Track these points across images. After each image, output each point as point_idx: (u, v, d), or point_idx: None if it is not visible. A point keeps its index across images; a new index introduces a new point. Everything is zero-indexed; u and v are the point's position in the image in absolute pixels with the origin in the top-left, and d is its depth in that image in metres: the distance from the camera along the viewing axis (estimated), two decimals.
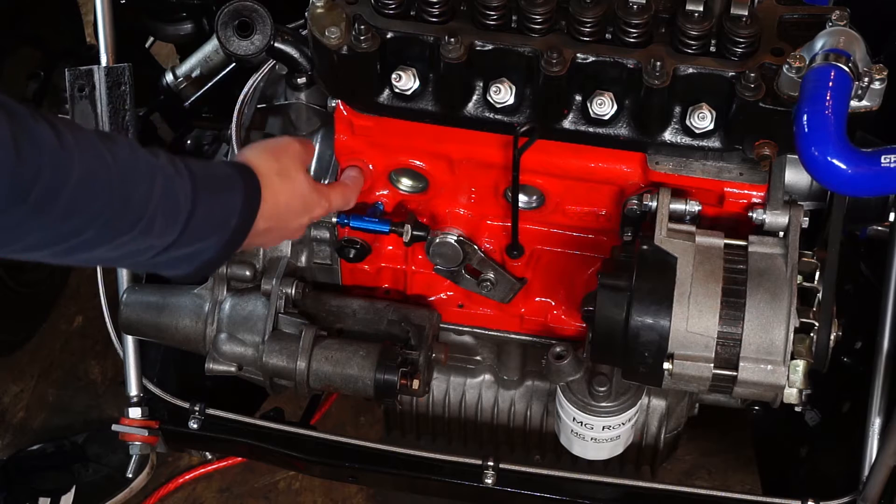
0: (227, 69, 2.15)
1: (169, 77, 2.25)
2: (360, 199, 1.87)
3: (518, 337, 2.01)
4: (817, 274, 1.70)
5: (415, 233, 1.84)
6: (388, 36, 1.67)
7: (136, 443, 2.08)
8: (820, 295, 1.69)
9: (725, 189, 1.73)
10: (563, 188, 1.81)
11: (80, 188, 1.27)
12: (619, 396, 1.88)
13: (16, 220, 1.23)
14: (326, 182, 1.89)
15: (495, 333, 2.01)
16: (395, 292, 2.00)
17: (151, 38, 2.48)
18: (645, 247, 1.68)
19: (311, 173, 1.92)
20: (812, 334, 1.66)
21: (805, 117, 1.46)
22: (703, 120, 1.66)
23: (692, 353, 1.65)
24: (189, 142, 2.18)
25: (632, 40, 1.64)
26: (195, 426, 2.04)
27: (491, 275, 1.90)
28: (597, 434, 1.92)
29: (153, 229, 1.37)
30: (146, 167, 1.36)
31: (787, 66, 1.56)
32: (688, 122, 1.66)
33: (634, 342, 1.65)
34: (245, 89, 1.93)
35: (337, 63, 1.68)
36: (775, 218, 1.71)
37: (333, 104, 1.81)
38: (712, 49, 1.64)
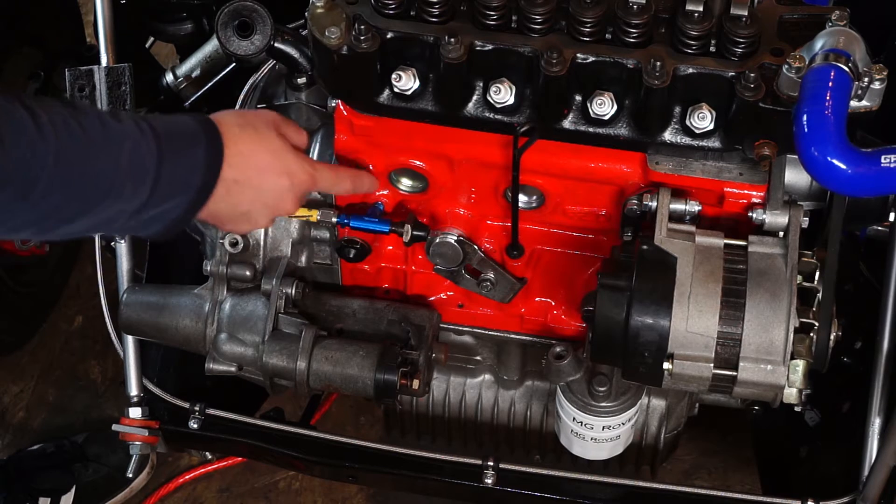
0: (228, 69, 2.15)
1: (169, 77, 2.25)
2: (359, 199, 1.87)
3: (518, 337, 2.01)
4: (817, 274, 1.70)
5: (415, 233, 1.84)
6: (388, 36, 1.67)
7: (136, 443, 2.08)
8: (820, 295, 1.69)
9: (725, 189, 1.73)
10: (563, 188, 1.81)
11: (58, 169, 1.30)
12: (619, 396, 1.88)
13: (1, 206, 1.27)
14: None
15: (495, 333, 2.01)
16: (395, 292, 2.00)
17: (151, 38, 2.48)
18: (645, 247, 1.68)
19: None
20: (812, 334, 1.66)
21: (805, 117, 1.46)
22: (703, 120, 1.66)
23: (692, 353, 1.65)
24: None
25: (632, 40, 1.64)
26: (195, 426, 2.04)
27: (491, 275, 1.90)
28: (597, 434, 1.92)
29: (123, 194, 1.39)
30: (114, 135, 1.38)
31: (786, 66, 1.56)
32: (688, 122, 1.66)
33: (634, 342, 1.65)
34: (245, 89, 1.93)
35: (337, 63, 1.68)
36: (775, 218, 1.71)
37: (333, 104, 1.81)
38: (712, 49, 1.64)
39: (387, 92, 1.72)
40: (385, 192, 1.87)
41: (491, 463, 1.97)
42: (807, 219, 1.71)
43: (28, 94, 1.33)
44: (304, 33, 1.80)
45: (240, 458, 2.59)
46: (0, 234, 1.36)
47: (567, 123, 1.70)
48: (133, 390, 2.07)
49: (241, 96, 1.92)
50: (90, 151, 1.35)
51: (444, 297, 1.99)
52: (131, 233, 1.52)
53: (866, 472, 1.88)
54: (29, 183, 1.28)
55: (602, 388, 1.86)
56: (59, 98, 1.41)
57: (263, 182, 1.59)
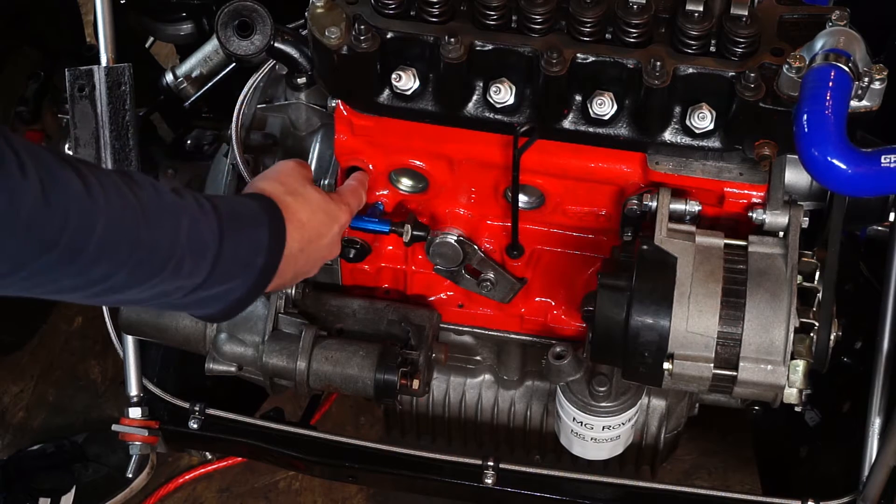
0: (228, 69, 2.15)
1: (169, 77, 2.25)
2: None
3: (518, 337, 2.01)
4: (817, 274, 1.70)
5: (415, 233, 1.84)
6: (388, 36, 1.67)
7: (136, 443, 2.08)
8: (820, 295, 1.69)
9: (725, 189, 1.73)
10: (563, 188, 1.81)
11: (107, 235, 1.26)
12: (619, 396, 1.88)
13: (46, 267, 1.23)
14: (326, 182, 1.89)
15: (495, 333, 2.01)
16: (395, 292, 2.00)
17: (151, 38, 2.48)
18: (645, 247, 1.68)
19: (312, 173, 1.92)
20: (812, 334, 1.66)
21: (805, 117, 1.46)
22: (703, 120, 1.66)
23: (692, 353, 1.65)
24: (189, 142, 2.18)
25: (632, 40, 1.64)
26: (195, 426, 2.04)
27: (491, 275, 1.90)
28: (597, 434, 1.92)
29: (181, 271, 1.36)
30: (171, 208, 1.35)
31: (787, 66, 1.56)
32: (688, 122, 1.66)
33: (634, 342, 1.65)
34: (245, 89, 1.93)
35: (337, 63, 1.68)
36: (775, 218, 1.71)
37: (333, 104, 1.81)
38: (712, 49, 1.64)
39: (387, 92, 1.72)
40: (385, 192, 1.87)
41: (491, 463, 1.97)
42: (807, 219, 1.71)
43: (81, 158, 1.28)
44: (304, 33, 1.80)
45: (240, 458, 2.59)
46: (48, 295, 1.30)
47: (567, 123, 1.70)
48: (133, 390, 2.07)
49: (241, 96, 1.92)
50: (145, 223, 1.31)
51: (444, 297, 1.99)
52: (190, 310, 1.48)
53: (866, 472, 1.89)
54: (76, 246, 1.23)
55: (602, 388, 1.86)
56: (116, 168, 1.38)
57: (321, 239, 1.63)
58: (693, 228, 1.70)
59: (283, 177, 1.63)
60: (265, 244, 1.49)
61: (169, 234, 1.34)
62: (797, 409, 1.73)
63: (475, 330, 2.02)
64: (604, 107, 1.67)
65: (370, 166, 1.83)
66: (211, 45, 2.20)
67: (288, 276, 1.57)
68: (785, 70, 1.56)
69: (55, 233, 1.21)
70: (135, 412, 2.07)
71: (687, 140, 1.68)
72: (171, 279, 1.36)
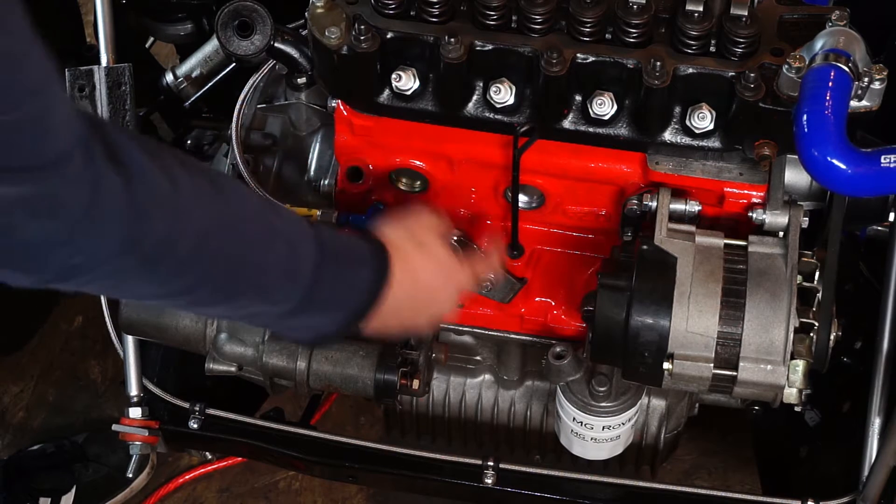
0: (228, 69, 2.15)
1: (169, 77, 2.25)
2: (359, 198, 1.87)
3: (518, 337, 2.01)
4: (817, 274, 1.70)
5: None
6: (388, 36, 1.67)
7: (137, 443, 2.08)
8: (820, 295, 1.69)
9: (725, 189, 1.73)
10: (563, 188, 1.81)
11: (192, 246, 1.22)
12: (619, 396, 1.88)
13: (124, 269, 1.18)
14: (326, 182, 1.89)
15: (495, 333, 2.01)
16: None
17: (151, 38, 2.48)
18: (645, 247, 1.68)
19: (311, 173, 1.92)
20: (812, 334, 1.66)
21: (805, 117, 1.46)
22: (703, 120, 1.66)
23: (692, 353, 1.65)
24: (189, 142, 2.18)
25: (632, 40, 1.64)
26: (195, 426, 2.04)
27: (491, 275, 1.89)
28: (597, 434, 1.92)
29: (268, 296, 1.32)
30: (267, 228, 1.31)
31: (786, 66, 1.56)
32: (688, 122, 1.66)
33: (634, 342, 1.65)
34: (245, 89, 1.93)
35: (337, 63, 1.68)
36: (775, 218, 1.71)
37: (333, 104, 1.81)
38: (712, 49, 1.64)
39: (387, 92, 1.72)
40: (385, 193, 1.87)
41: (491, 463, 1.97)
42: (807, 219, 1.71)
43: (183, 155, 1.25)
44: (304, 33, 1.80)
45: (240, 458, 2.59)
46: (120, 297, 1.28)
47: (567, 123, 1.70)
48: (133, 390, 2.07)
49: (241, 96, 1.92)
50: (235, 238, 1.27)
51: None
52: (276, 333, 1.45)
53: (866, 472, 1.88)
54: (159, 253, 1.18)
55: (602, 388, 1.85)
56: (211, 172, 1.31)
57: (434, 296, 1.58)
58: (693, 228, 1.70)
59: (412, 224, 1.58)
60: (364, 286, 1.43)
61: (260, 255, 1.29)
62: (797, 409, 1.73)
63: (475, 330, 2.02)
64: (604, 107, 1.67)
65: (370, 166, 1.83)
66: (211, 45, 2.20)
67: (391, 323, 1.51)
68: (785, 70, 1.56)
69: (137, 238, 1.16)
70: (135, 412, 2.07)
71: (687, 140, 1.68)
72: (257, 302, 1.32)
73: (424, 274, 1.54)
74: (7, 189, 1.02)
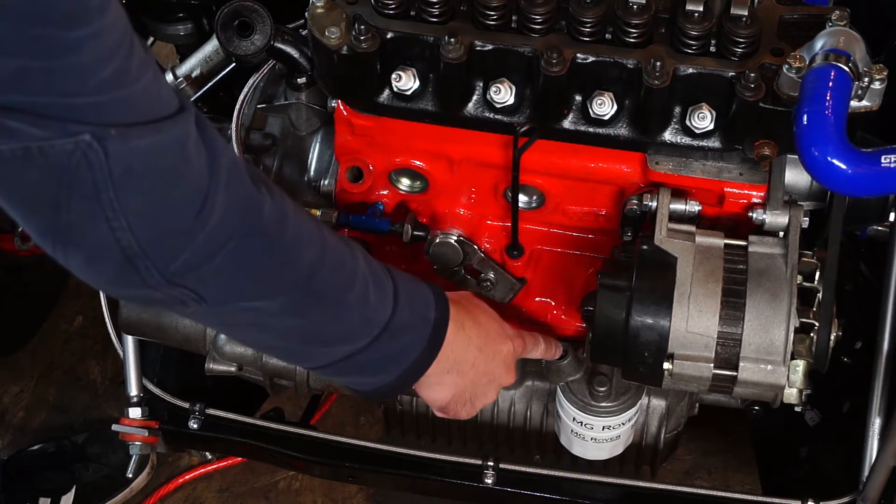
0: (228, 69, 2.15)
1: (169, 77, 2.25)
2: (359, 198, 1.87)
3: None
4: (817, 274, 1.70)
5: (415, 233, 1.84)
6: (388, 36, 1.67)
7: (136, 443, 2.08)
8: (820, 295, 1.69)
9: (725, 189, 1.73)
10: (563, 188, 1.81)
11: (310, 288, 1.30)
12: (619, 396, 1.88)
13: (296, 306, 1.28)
14: (326, 182, 1.89)
15: None
16: None
17: (151, 38, 2.48)
18: (645, 247, 1.68)
19: (311, 173, 1.92)
20: (812, 334, 1.66)
21: (805, 117, 1.46)
22: (703, 120, 1.66)
23: (692, 353, 1.65)
24: None
25: (632, 40, 1.64)
26: (195, 426, 2.04)
27: (491, 275, 1.90)
28: (597, 434, 1.92)
29: (351, 336, 1.38)
30: (358, 271, 1.38)
31: (787, 66, 1.56)
32: (688, 122, 1.66)
33: (634, 342, 1.65)
34: (245, 89, 1.93)
35: (337, 63, 1.68)
36: (775, 218, 1.71)
37: (333, 104, 1.81)
38: (712, 49, 1.64)
39: (387, 92, 1.72)
40: (385, 192, 1.87)
41: (491, 463, 1.97)
42: (807, 219, 1.71)
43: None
44: (304, 33, 1.80)
45: (240, 458, 2.59)
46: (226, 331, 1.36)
47: (567, 123, 1.70)
48: (133, 390, 2.07)
49: (241, 96, 1.92)
50: (343, 280, 1.34)
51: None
52: (372, 375, 1.46)
53: (866, 472, 1.88)
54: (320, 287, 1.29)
55: (602, 388, 1.85)
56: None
57: (496, 347, 1.60)
58: (693, 228, 1.70)
59: (458, 295, 1.61)
60: (432, 300, 1.48)
61: (354, 300, 1.36)
62: (797, 409, 1.73)
63: None
64: (604, 107, 1.67)
65: (370, 166, 1.83)
66: (211, 45, 2.20)
67: (467, 376, 1.55)
68: (785, 70, 1.56)
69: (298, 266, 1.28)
70: (135, 412, 2.07)
71: (687, 140, 1.68)
72: (365, 308, 1.38)
73: (483, 322, 1.57)
74: (148, 137, 1.10)
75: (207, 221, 1.16)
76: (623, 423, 1.91)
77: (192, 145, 1.15)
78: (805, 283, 1.69)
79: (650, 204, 1.72)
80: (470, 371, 1.56)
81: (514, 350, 1.65)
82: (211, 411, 2.05)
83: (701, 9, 1.62)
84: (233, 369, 1.93)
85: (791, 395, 1.67)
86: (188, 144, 1.15)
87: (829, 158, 1.45)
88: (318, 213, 1.84)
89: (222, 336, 1.91)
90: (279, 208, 1.26)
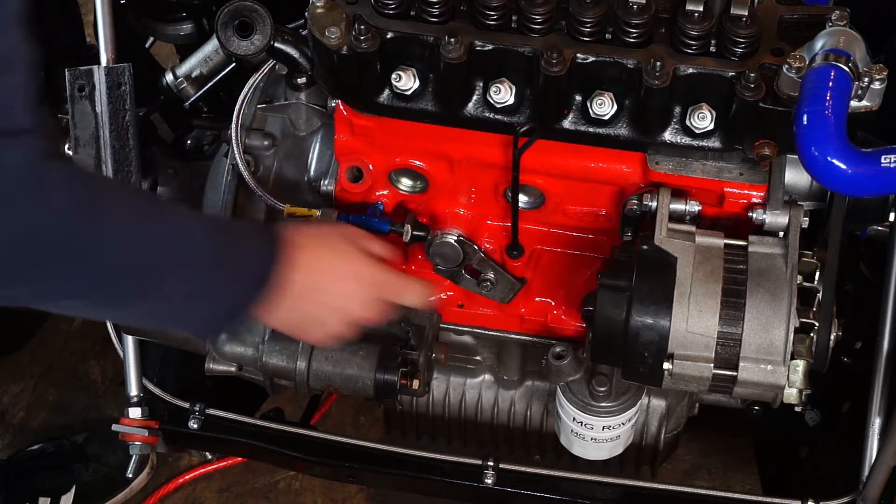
0: (228, 69, 2.15)
1: (169, 77, 2.25)
2: (359, 198, 1.87)
3: (518, 337, 2.01)
4: (817, 274, 1.70)
5: (415, 233, 1.84)
6: (388, 36, 1.67)
7: (136, 443, 2.08)
8: (820, 295, 1.69)
9: (725, 189, 1.73)
10: (564, 188, 1.81)
11: (116, 233, 1.31)
12: (619, 396, 1.88)
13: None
14: (326, 182, 1.89)
15: (495, 333, 2.01)
16: None
17: (151, 38, 2.48)
18: (645, 247, 1.68)
19: (311, 173, 1.92)
20: (812, 334, 1.67)
21: (805, 117, 1.46)
22: (703, 120, 1.66)
23: (692, 353, 1.65)
24: (189, 142, 2.18)
25: (632, 40, 1.64)
26: (195, 426, 2.04)
27: (491, 275, 1.90)
28: (597, 434, 1.92)
29: (170, 280, 1.38)
30: (171, 215, 1.38)
31: (787, 66, 1.56)
32: (688, 122, 1.66)
33: (634, 342, 1.65)
34: (245, 89, 1.92)
35: (337, 63, 1.69)
36: (775, 218, 1.71)
37: (333, 104, 1.81)
38: (712, 49, 1.65)
39: (387, 92, 1.72)
40: (385, 192, 1.87)
41: (491, 463, 1.97)
42: (807, 219, 1.71)
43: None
44: (304, 33, 1.80)
45: (240, 458, 2.59)
46: (49, 305, 1.34)
47: (567, 123, 1.70)
48: (133, 390, 2.07)
49: (241, 96, 1.92)
50: (147, 225, 1.35)
51: (444, 297, 1.99)
52: (181, 324, 1.48)
53: (866, 472, 1.88)
54: (89, 248, 1.28)
55: (602, 388, 1.85)
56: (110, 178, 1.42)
57: (331, 285, 1.58)
58: (693, 228, 1.70)
59: (325, 224, 1.62)
60: (262, 255, 1.47)
61: (167, 239, 1.36)
62: (797, 409, 1.73)
63: (475, 330, 2.02)
64: (604, 107, 1.67)
65: (370, 166, 1.83)
66: (211, 45, 2.20)
67: (294, 313, 1.54)
68: (785, 70, 1.56)
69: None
70: (135, 412, 2.07)
71: (687, 140, 1.69)
72: (168, 285, 1.38)
73: (325, 261, 1.56)
74: None
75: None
76: (623, 423, 1.91)
77: (20, 177, 1.18)
78: (805, 283, 1.69)
79: (650, 204, 1.72)
80: (306, 311, 1.55)
81: (361, 288, 1.61)
82: (211, 411, 2.05)
83: (701, 9, 1.62)
84: (233, 369, 1.93)
85: (791, 395, 1.67)
86: (12, 175, 1.17)
87: (829, 158, 1.45)
88: (319, 213, 1.84)
89: (222, 336, 1.91)
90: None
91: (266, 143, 1.96)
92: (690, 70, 1.62)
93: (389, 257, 1.67)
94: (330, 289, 1.57)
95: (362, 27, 1.65)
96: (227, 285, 1.44)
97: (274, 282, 1.48)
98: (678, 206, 1.72)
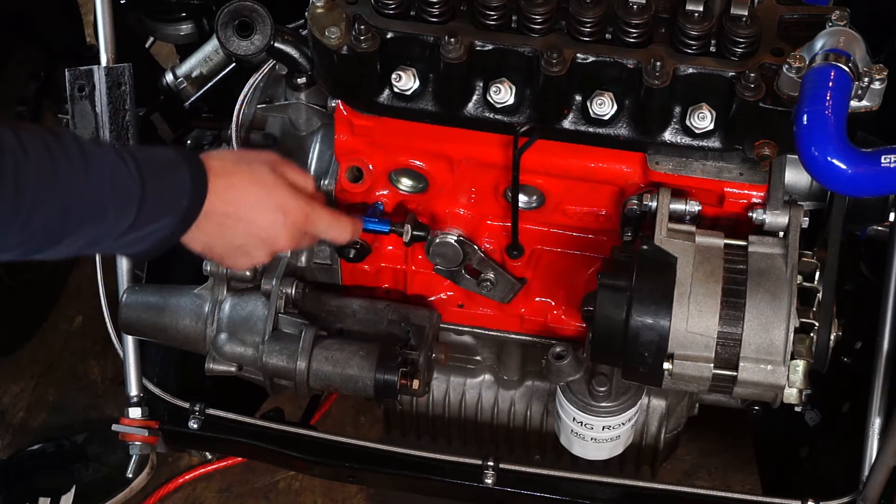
0: (228, 69, 2.15)
1: (169, 77, 2.25)
2: (359, 199, 1.87)
3: (518, 337, 2.01)
4: (817, 274, 1.70)
5: (415, 233, 1.84)
6: (388, 36, 1.67)
7: (136, 443, 2.08)
8: (820, 295, 1.69)
9: (725, 189, 1.73)
10: (564, 188, 1.81)
11: (40, 187, 1.32)
12: (619, 396, 1.88)
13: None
14: (326, 182, 1.89)
15: (495, 333, 2.01)
16: (395, 292, 2.00)
17: (151, 38, 2.48)
18: (645, 247, 1.68)
19: (312, 173, 1.92)
20: (812, 334, 1.67)
21: (805, 117, 1.46)
22: (703, 120, 1.66)
23: (692, 353, 1.65)
24: (189, 142, 2.18)
25: (632, 40, 1.64)
26: (195, 426, 2.04)
27: (491, 275, 1.90)
28: (597, 434, 1.92)
29: (107, 216, 1.41)
30: (94, 158, 1.40)
31: (787, 66, 1.56)
32: (688, 122, 1.66)
33: (634, 342, 1.65)
34: (245, 89, 1.93)
35: (337, 63, 1.69)
36: (775, 218, 1.71)
37: (333, 104, 1.81)
38: (712, 49, 1.64)
39: (387, 92, 1.72)
40: (385, 192, 1.87)
41: (491, 463, 1.97)
42: (807, 219, 1.71)
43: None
44: (304, 33, 1.80)
45: (240, 458, 2.59)
46: None
47: (567, 123, 1.70)
48: (133, 390, 2.07)
49: (241, 96, 1.92)
50: (70, 173, 1.37)
51: (444, 297, 1.99)
52: (118, 252, 1.52)
53: (866, 472, 1.88)
54: (17, 200, 1.30)
55: (602, 388, 1.86)
56: (36, 123, 1.44)
57: (257, 216, 1.59)
58: (693, 228, 1.70)
59: (244, 152, 1.65)
60: (188, 184, 1.49)
61: (94, 182, 1.38)
62: (797, 409, 1.73)
63: (475, 330, 2.02)
64: (604, 107, 1.67)
65: (370, 166, 1.83)
66: (211, 45, 2.20)
67: (217, 239, 1.57)
68: (785, 70, 1.56)
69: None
70: (135, 412, 2.07)
71: (687, 140, 1.69)
72: (99, 225, 1.41)
73: (248, 191, 1.58)
74: None
75: None
76: (623, 423, 1.91)
77: None
78: (805, 283, 1.69)
79: (650, 204, 1.72)
80: (219, 232, 1.57)
81: (286, 221, 1.62)
82: (211, 411, 2.05)
83: (701, 9, 1.62)
84: (233, 369, 1.93)
85: (791, 395, 1.67)
86: None
87: (829, 158, 1.45)
88: None
89: (222, 336, 1.91)
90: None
91: (266, 143, 1.96)
92: (690, 70, 1.62)
93: (311, 189, 1.69)
94: (254, 220, 1.59)
95: (362, 27, 1.65)
96: (153, 221, 1.47)
97: (196, 211, 1.51)
98: (678, 206, 1.72)
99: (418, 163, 1.82)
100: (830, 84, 1.47)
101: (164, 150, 1.54)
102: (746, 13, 1.61)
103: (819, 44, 1.54)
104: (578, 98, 1.69)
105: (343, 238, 1.73)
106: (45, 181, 1.33)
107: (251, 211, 1.58)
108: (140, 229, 1.45)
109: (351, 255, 1.90)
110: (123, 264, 2.06)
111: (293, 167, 1.68)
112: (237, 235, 1.59)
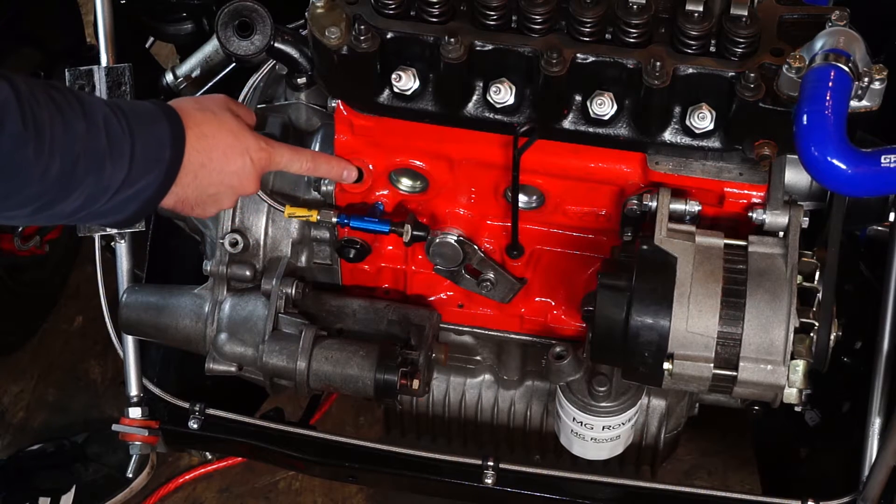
0: (227, 69, 2.15)
1: (169, 77, 2.25)
2: (359, 199, 1.87)
3: (518, 337, 2.01)
4: (817, 274, 1.70)
5: (415, 233, 1.84)
6: (388, 36, 1.67)
7: (136, 443, 2.08)
8: (820, 295, 1.69)
9: (725, 189, 1.73)
10: (563, 188, 1.81)
11: (55, 134, 1.34)
12: (619, 396, 1.88)
13: (19, 167, 1.31)
14: (326, 182, 1.89)
15: (495, 333, 2.01)
16: (395, 292, 2.00)
17: (151, 38, 2.48)
18: (645, 247, 1.68)
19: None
20: (812, 334, 1.67)
21: (805, 117, 1.46)
22: (703, 120, 1.66)
23: (692, 353, 1.65)
24: None
25: (632, 40, 1.64)
26: (195, 426, 2.04)
27: (491, 275, 1.90)
28: (597, 434, 1.92)
29: (105, 168, 1.42)
30: (91, 109, 1.41)
31: (786, 66, 1.56)
32: (688, 122, 1.66)
33: (634, 342, 1.65)
34: (245, 89, 1.93)
35: (337, 63, 1.69)
36: (775, 218, 1.71)
37: (333, 104, 1.81)
38: (712, 49, 1.64)
39: (387, 92, 1.72)
40: (385, 192, 1.87)
41: (491, 463, 1.97)
42: (807, 219, 1.71)
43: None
44: (304, 33, 1.80)
45: (240, 458, 2.59)
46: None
47: (567, 123, 1.70)
48: (133, 390, 2.07)
49: (241, 96, 1.92)
50: (75, 119, 1.38)
51: (444, 297, 1.99)
52: (108, 218, 1.52)
53: (866, 472, 1.89)
54: (38, 144, 1.32)
55: (602, 388, 1.86)
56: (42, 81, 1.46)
57: (227, 163, 1.62)
58: (693, 228, 1.70)
59: (201, 98, 1.66)
60: (167, 137, 1.51)
61: (95, 131, 1.40)
62: (797, 409, 1.73)
63: (475, 330, 2.02)
64: (604, 107, 1.67)
65: (370, 166, 1.83)
66: (211, 45, 2.20)
67: (190, 190, 1.58)
68: (785, 70, 1.56)
69: (27, 126, 1.31)
70: (135, 412, 2.07)
71: (687, 140, 1.68)
72: (100, 178, 1.42)
73: (212, 135, 1.60)
74: None
75: None
76: (623, 423, 1.91)
77: None
78: (805, 283, 1.69)
79: (650, 204, 1.72)
80: (194, 182, 1.58)
81: (253, 164, 1.65)
82: (211, 411, 2.05)
83: (701, 9, 1.62)
84: (233, 369, 1.93)
85: (791, 395, 1.67)
86: None
87: (829, 158, 1.45)
88: (318, 213, 1.84)
89: (222, 336, 1.91)
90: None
91: None
92: (690, 70, 1.62)
93: (254, 122, 1.73)
94: (224, 168, 1.62)
95: (362, 27, 1.65)
96: (141, 177, 1.48)
97: (178, 164, 1.53)
98: (678, 206, 1.72)
99: (418, 163, 1.82)
100: (830, 84, 1.47)
101: (143, 102, 1.55)
102: (746, 13, 1.61)
103: (819, 44, 1.54)
104: (578, 98, 1.69)
105: (307, 171, 1.76)
106: (57, 126, 1.34)
107: (222, 158, 1.61)
108: (130, 186, 1.46)
109: (351, 255, 1.90)
110: (123, 264, 2.06)
111: (240, 105, 1.72)
112: (210, 185, 1.61)
